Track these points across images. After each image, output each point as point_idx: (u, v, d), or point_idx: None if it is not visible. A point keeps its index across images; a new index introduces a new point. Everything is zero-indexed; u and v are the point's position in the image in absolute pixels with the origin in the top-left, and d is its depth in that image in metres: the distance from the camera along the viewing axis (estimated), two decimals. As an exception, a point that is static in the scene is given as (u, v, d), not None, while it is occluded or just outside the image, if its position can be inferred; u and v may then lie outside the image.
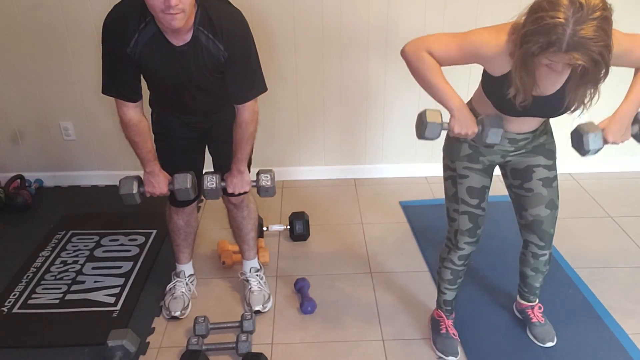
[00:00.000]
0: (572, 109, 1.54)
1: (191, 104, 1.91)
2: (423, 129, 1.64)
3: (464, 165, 1.80)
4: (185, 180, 1.91)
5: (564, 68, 1.42)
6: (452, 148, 1.81)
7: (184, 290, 2.25)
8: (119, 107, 1.82)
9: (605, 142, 1.62)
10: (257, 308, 2.18)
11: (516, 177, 1.85)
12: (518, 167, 1.83)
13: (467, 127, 1.61)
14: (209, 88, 1.86)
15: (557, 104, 1.58)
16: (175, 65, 1.75)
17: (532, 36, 1.34)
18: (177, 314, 2.17)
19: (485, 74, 1.63)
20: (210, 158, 2.16)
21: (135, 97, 1.80)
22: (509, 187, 1.91)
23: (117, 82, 1.77)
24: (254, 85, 1.86)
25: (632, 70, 1.64)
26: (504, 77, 1.54)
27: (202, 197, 2.05)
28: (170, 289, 2.26)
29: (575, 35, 1.28)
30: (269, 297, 2.26)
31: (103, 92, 1.80)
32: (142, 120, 1.86)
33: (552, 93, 1.56)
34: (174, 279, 2.28)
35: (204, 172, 2.01)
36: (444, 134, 1.70)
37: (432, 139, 1.66)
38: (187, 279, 2.29)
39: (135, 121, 1.83)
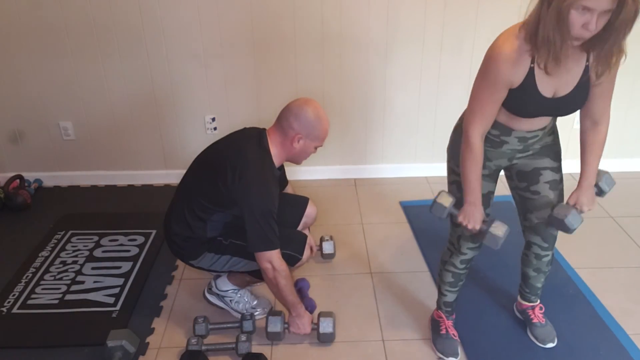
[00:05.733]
0: (598, 73, 1.50)
1: None
2: (432, 205, 1.75)
3: None
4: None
5: (599, 19, 1.34)
6: (458, 150, 1.71)
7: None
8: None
9: (582, 212, 1.75)
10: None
11: (522, 180, 1.82)
12: (525, 170, 1.80)
13: (471, 221, 1.69)
14: None
15: (577, 100, 1.59)
16: None
17: None
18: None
19: None
20: None
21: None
22: (513, 189, 1.87)
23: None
24: None
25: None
26: (524, 82, 1.52)
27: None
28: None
29: None
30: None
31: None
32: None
33: (569, 92, 1.55)
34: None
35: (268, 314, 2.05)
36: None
37: (438, 217, 1.75)
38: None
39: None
